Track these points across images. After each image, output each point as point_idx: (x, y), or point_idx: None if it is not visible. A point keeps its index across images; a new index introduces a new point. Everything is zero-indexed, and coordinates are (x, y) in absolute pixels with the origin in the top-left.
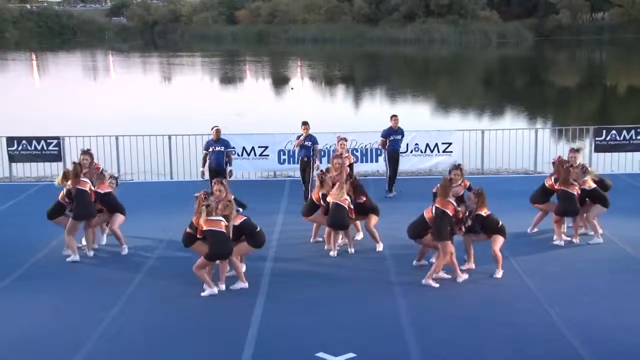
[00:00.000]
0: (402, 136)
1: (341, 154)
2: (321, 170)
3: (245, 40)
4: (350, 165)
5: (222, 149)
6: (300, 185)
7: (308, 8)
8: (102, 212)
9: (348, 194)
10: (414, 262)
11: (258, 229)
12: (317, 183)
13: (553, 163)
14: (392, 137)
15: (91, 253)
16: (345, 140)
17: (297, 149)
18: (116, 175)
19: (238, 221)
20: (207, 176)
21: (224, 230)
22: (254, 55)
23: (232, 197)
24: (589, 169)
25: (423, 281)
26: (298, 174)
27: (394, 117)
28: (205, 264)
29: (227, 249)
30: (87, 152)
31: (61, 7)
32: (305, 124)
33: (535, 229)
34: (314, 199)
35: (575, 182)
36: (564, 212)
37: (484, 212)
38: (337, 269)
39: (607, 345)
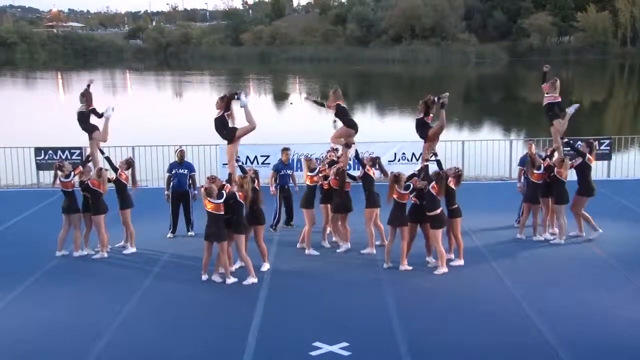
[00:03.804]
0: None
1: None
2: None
3: (248, 60)
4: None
5: (185, 172)
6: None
7: (305, 31)
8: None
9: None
10: (427, 259)
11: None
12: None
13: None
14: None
15: (85, 252)
16: (336, 150)
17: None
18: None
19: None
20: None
21: (221, 214)
22: (257, 73)
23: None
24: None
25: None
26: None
27: (528, 142)
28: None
29: (219, 231)
30: None
31: (84, 31)
32: (286, 150)
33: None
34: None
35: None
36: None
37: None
38: (332, 265)
39: (573, 333)
